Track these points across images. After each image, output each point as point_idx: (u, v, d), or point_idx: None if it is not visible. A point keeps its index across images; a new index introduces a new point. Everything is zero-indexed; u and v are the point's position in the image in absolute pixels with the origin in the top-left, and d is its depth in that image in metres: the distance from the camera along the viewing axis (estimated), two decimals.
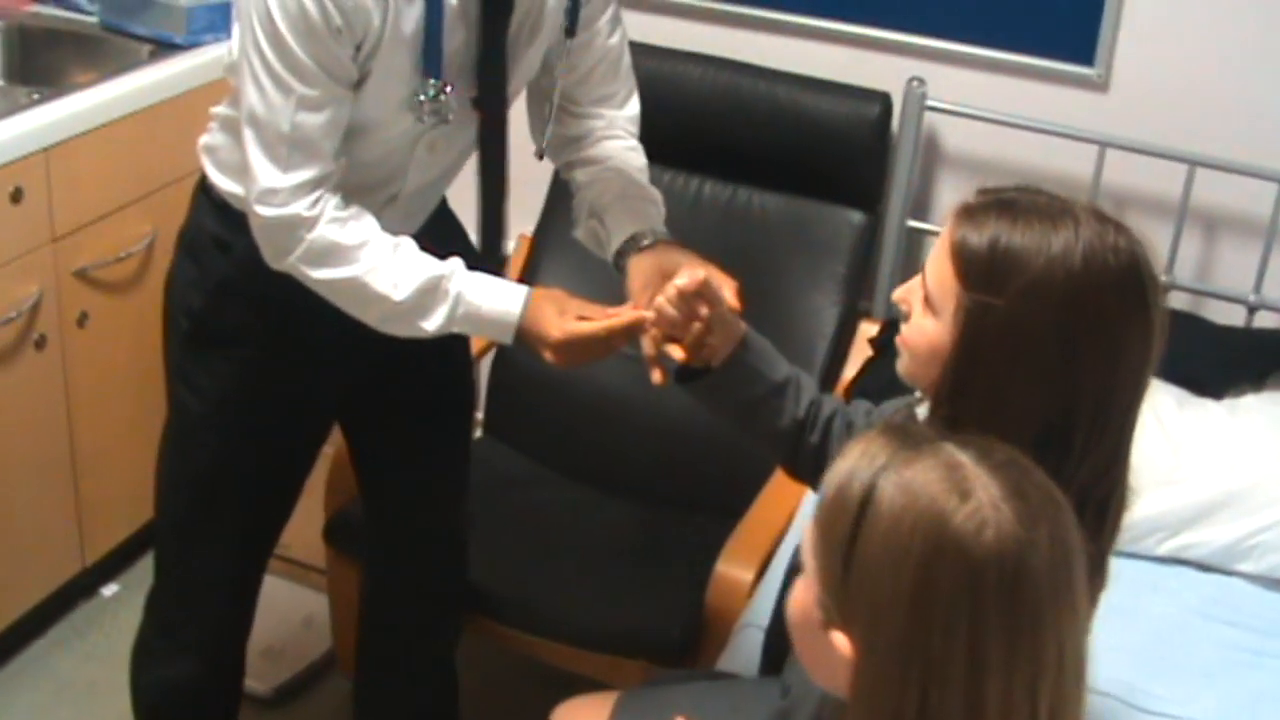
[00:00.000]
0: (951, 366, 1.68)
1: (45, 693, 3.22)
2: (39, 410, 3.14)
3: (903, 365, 1.80)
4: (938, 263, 1.69)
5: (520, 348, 2.17)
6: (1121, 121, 3.08)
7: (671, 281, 2.01)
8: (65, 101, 3.08)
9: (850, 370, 3.13)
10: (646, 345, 2.07)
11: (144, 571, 3.47)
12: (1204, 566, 2.74)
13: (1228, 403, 2.91)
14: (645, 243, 2.21)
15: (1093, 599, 1.70)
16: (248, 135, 2.08)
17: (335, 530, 2.99)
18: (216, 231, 2.31)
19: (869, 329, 3.17)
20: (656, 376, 2.06)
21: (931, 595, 1.29)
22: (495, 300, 2.14)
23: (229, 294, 2.32)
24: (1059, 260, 1.61)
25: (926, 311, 1.72)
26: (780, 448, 2.05)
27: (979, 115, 3.15)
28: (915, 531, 1.30)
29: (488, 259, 2.29)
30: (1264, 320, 3.10)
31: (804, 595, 1.40)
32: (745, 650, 2.42)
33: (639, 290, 2.14)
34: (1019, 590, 1.29)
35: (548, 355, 2.13)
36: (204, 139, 2.34)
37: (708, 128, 3.27)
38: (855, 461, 1.36)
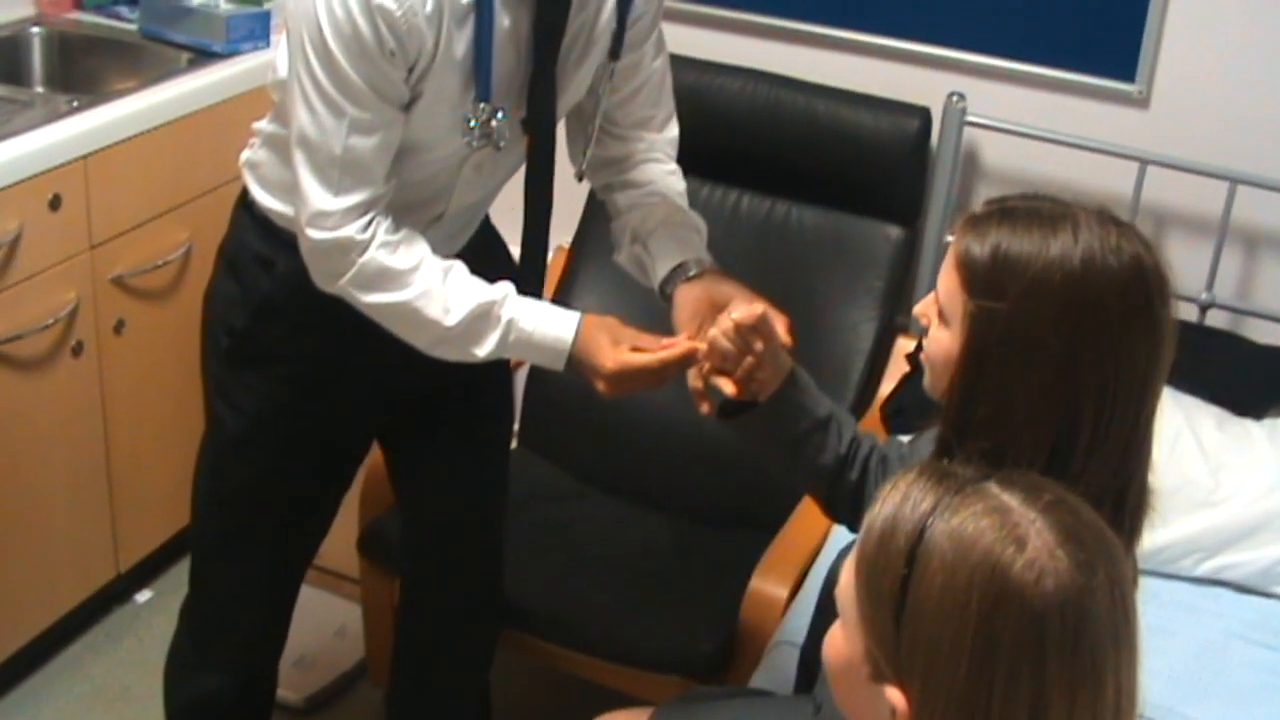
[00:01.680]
0: (959, 373, 1.70)
1: (79, 698, 3.24)
2: (76, 417, 3.16)
3: (926, 379, 1.81)
4: (946, 275, 1.73)
5: (571, 374, 2.16)
6: (1162, 138, 3.07)
7: (728, 314, 2.00)
8: (104, 109, 3.10)
9: (887, 386, 3.13)
10: (693, 377, 2.06)
11: (178, 578, 3.50)
12: (1242, 588, 2.73)
13: (1268, 423, 2.90)
14: (692, 272, 2.21)
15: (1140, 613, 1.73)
16: (299, 157, 2.07)
17: (370, 541, 2.99)
18: (259, 249, 2.30)
19: (906, 344, 3.17)
20: (705, 409, 2.06)
21: (993, 648, 1.27)
22: (548, 326, 2.13)
23: (272, 313, 2.31)
24: (1057, 262, 1.63)
25: (940, 324, 1.75)
26: (820, 484, 2.06)
27: (1019, 131, 3.14)
28: (973, 584, 1.28)
29: (529, 279, 2.29)
30: None
31: (846, 646, 1.38)
32: (779, 667, 2.42)
33: (687, 320, 2.14)
34: (1081, 637, 1.28)
35: (600, 385, 2.12)
36: (246, 154, 2.34)
37: (747, 141, 3.27)
38: (898, 508, 1.34)
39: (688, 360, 2.06)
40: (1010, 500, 1.32)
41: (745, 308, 1.99)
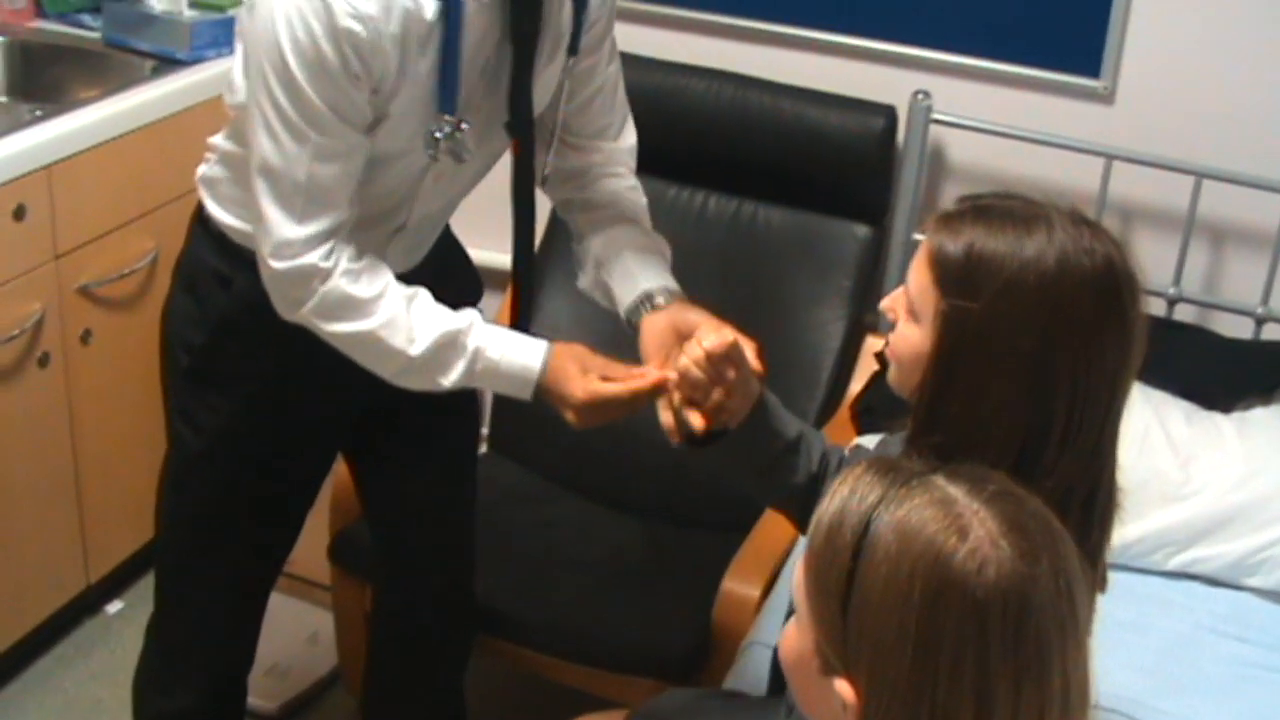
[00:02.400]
0: (931, 371, 1.70)
1: (50, 710, 3.23)
2: (43, 428, 3.15)
3: (891, 375, 1.82)
4: (917, 271, 1.73)
5: (538, 404, 2.14)
6: (1128, 134, 3.08)
7: (698, 342, 1.98)
8: (68, 118, 3.08)
9: (856, 385, 3.13)
10: (662, 409, 2.04)
11: (149, 588, 3.46)
12: (1213, 581, 2.74)
13: (1236, 416, 2.91)
14: (659, 301, 2.19)
15: (1089, 603, 1.73)
16: (260, 185, 2.04)
17: (340, 549, 2.99)
18: (216, 265, 2.28)
19: (875, 343, 3.17)
20: (675, 439, 2.04)
21: (936, 638, 1.28)
22: (515, 355, 2.11)
23: (230, 331, 2.29)
24: (1032, 263, 1.64)
25: (909, 319, 1.75)
26: (793, 503, 2.06)
27: (984, 128, 3.15)
28: (915, 575, 1.29)
29: (523, 280, 2.29)
30: (1272, 332, 3.10)
31: (799, 640, 1.40)
32: (752, 669, 2.42)
33: (654, 350, 2.12)
34: (1023, 626, 1.29)
35: (568, 415, 2.10)
36: (203, 170, 2.32)
37: (712, 142, 3.27)
38: (844, 502, 1.36)
39: (658, 391, 2.04)
40: (955, 491, 1.34)
41: (716, 336, 1.97)
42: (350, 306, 2.07)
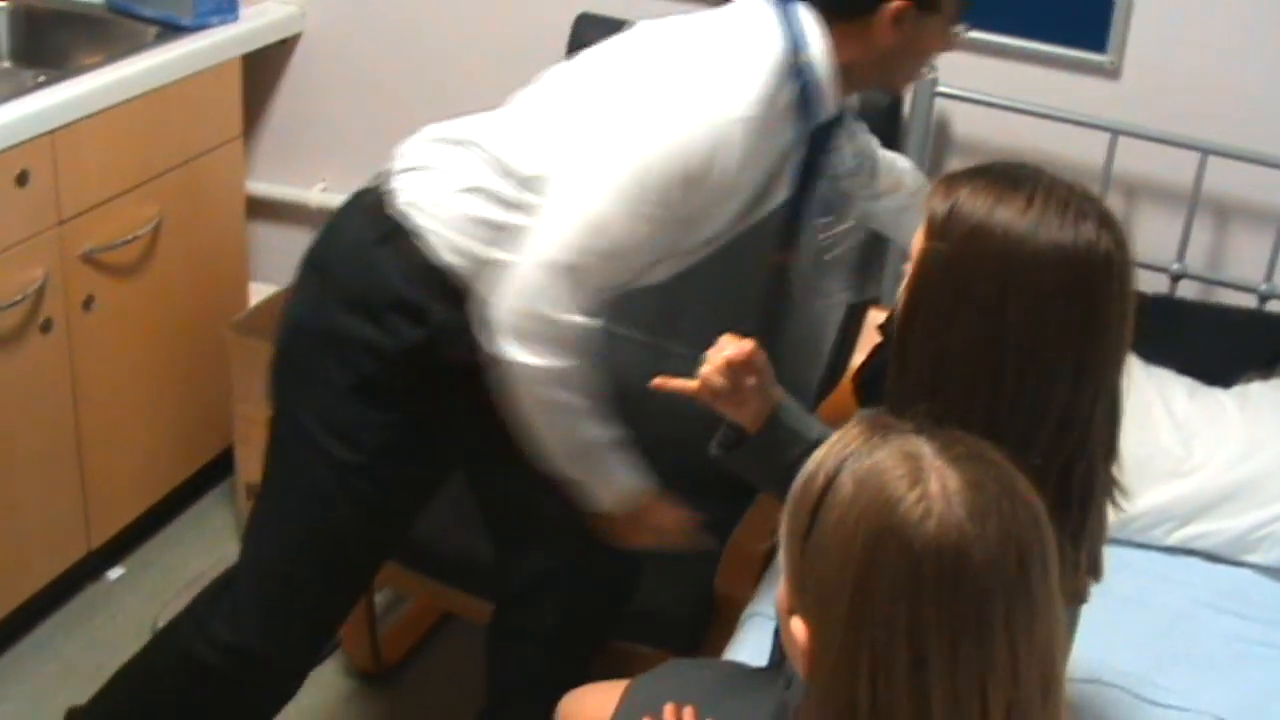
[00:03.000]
0: (903, 309, 1.77)
1: (51, 676, 3.24)
2: (45, 394, 3.15)
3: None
4: (920, 230, 1.79)
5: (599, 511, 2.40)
6: (1133, 109, 3.08)
7: (719, 350, 2.01)
8: (71, 84, 3.08)
9: (859, 358, 3.12)
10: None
11: (149, 555, 3.52)
12: (1213, 557, 2.75)
13: (1238, 391, 2.91)
14: None
15: (1076, 589, 1.76)
16: (551, 260, 2.14)
17: None
18: (409, 296, 2.27)
19: (878, 316, 3.16)
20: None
21: (873, 583, 1.30)
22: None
23: (413, 361, 2.30)
24: (1005, 217, 1.70)
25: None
26: None
27: (990, 102, 3.14)
28: (862, 518, 1.32)
29: None
30: (1276, 309, 3.10)
31: (781, 584, 1.43)
32: (753, 638, 2.42)
33: None
34: (960, 584, 1.29)
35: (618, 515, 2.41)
36: (420, 198, 2.29)
37: None
38: (825, 452, 1.39)
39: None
40: (925, 448, 1.36)
41: (735, 344, 2.00)
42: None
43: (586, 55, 2.31)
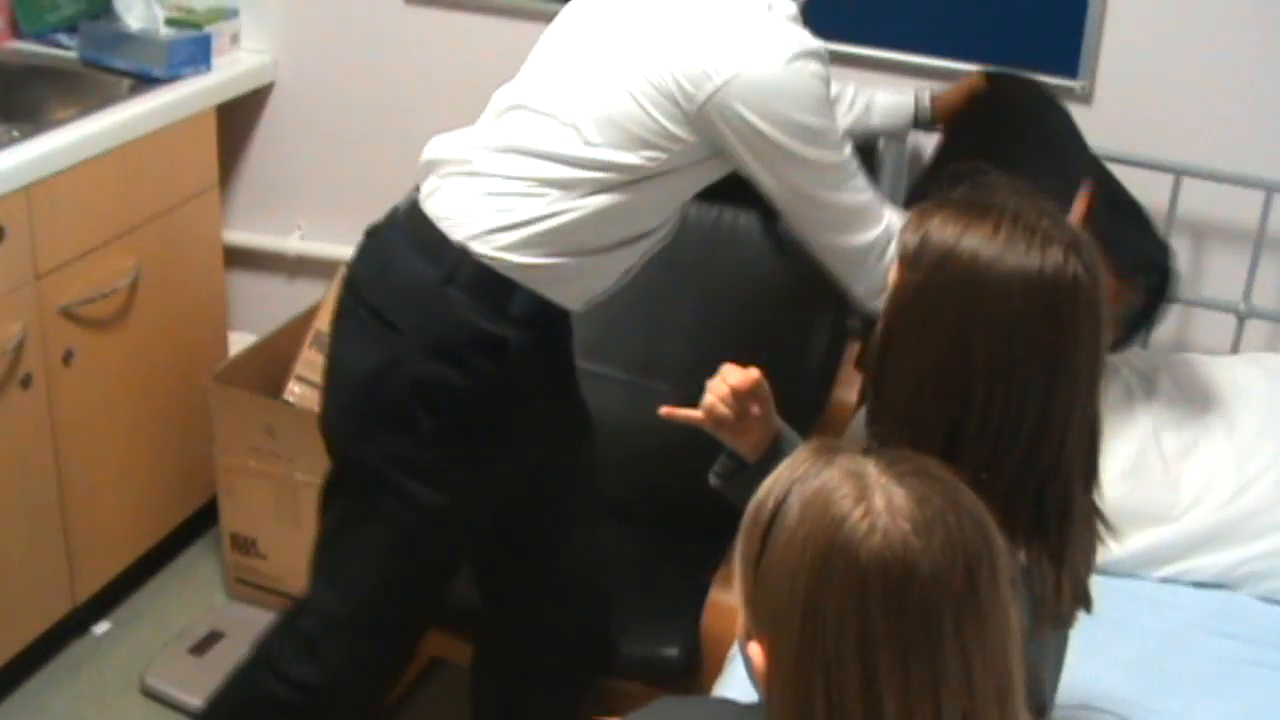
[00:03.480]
0: (879, 342, 1.80)
1: None
2: (26, 449, 3.14)
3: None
4: (895, 265, 1.80)
5: None
6: (1107, 133, 3.08)
7: (722, 379, 2.02)
8: (46, 138, 3.08)
9: (849, 392, 3.15)
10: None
11: (135, 608, 3.50)
12: (1203, 584, 2.74)
13: (1228, 418, 2.89)
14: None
15: (1060, 613, 1.76)
16: (850, 230, 2.31)
17: None
18: (488, 329, 2.30)
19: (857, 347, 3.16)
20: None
21: (822, 600, 1.32)
22: None
23: (497, 394, 2.33)
24: (972, 245, 1.72)
25: None
26: None
27: None
28: (810, 537, 1.33)
29: None
30: (1255, 329, 3.11)
31: (739, 613, 1.44)
32: (741, 675, 2.38)
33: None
34: (906, 598, 1.31)
35: None
36: (484, 219, 2.30)
37: None
38: (774, 478, 1.41)
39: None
40: (869, 466, 1.37)
41: (740, 373, 2.01)
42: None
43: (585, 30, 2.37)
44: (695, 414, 2.04)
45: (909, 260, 1.75)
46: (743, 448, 2.04)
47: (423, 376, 2.31)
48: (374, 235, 2.44)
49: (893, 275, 1.79)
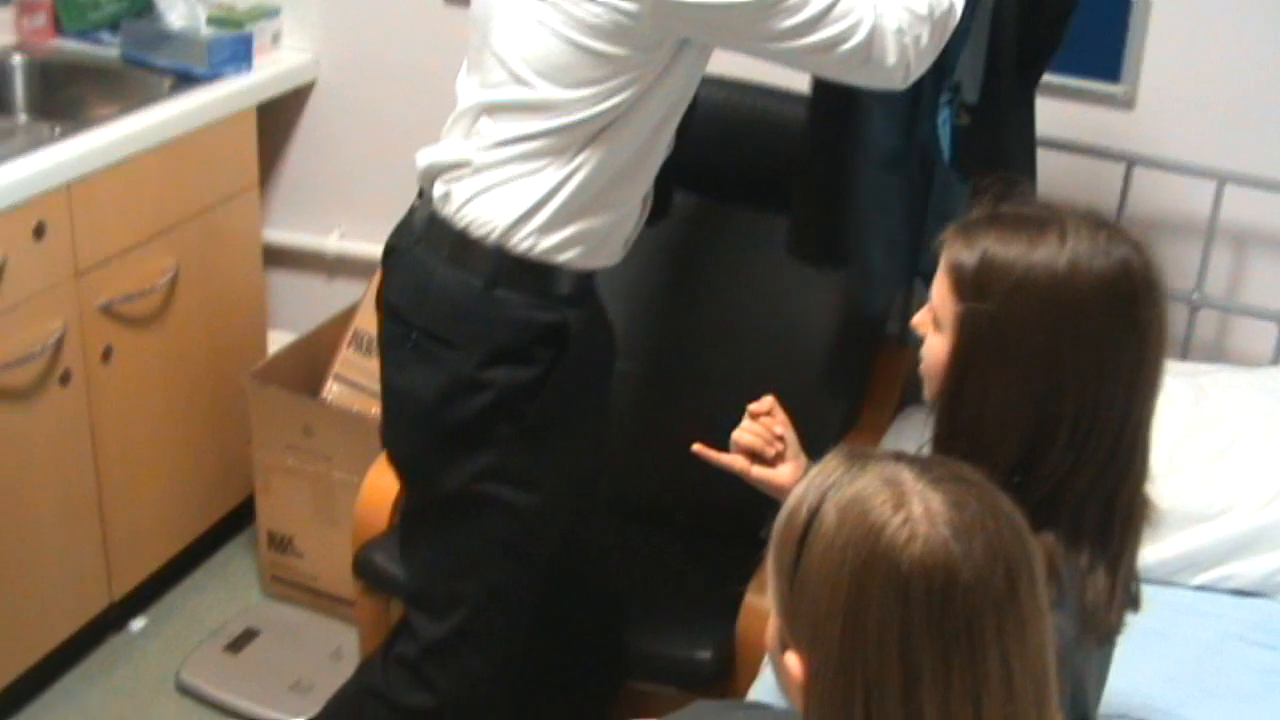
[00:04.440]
0: (948, 374, 1.76)
1: None
2: (65, 446, 3.15)
3: (926, 390, 1.85)
4: (939, 281, 1.78)
5: None
6: (1149, 139, 3.06)
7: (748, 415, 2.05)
8: (87, 136, 3.09)
9: (880, 414, 3.14)
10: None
11: (171, 605, 3.52)
12: (1241, 591, 2.72)
13: (1262, 432, 2.87)
14: None
15: (1109, 625, 1.75)
16: (862, 49, 2.17)
17: (364, 565, 2.96)
18: (547, 319, 2.31)
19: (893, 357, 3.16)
20: None
21: (863, 608, 1.32)
22: None
23: (567, 378, 2.34)
24: (1042, 264, 1.69)
25: (935, 331, 1.80)
26: None
27: None
28: (849, 545, 1.34)
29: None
30: None
31: (770, 622, 1.45)
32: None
33: None
34: (948, 602, 1.31)
35: None
36: (509, 212, 2.28)
37: (732, 153, 3.19)
38: (807, 485, 1.41)
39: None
40: (904, 473, 1.38)
41: (755, 403, 2.05)
42: None
43: None
44: (726, 457, 2.07)
45: (970, 287, 1.72)
46: (779, 492, 2.03)
47: (493, 384, 2.31)
48: (398, 255, 2.43)
49: (945, 301, 1.76)
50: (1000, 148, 2.62)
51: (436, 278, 2.33)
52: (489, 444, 2.34)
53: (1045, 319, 1.68)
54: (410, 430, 2.42)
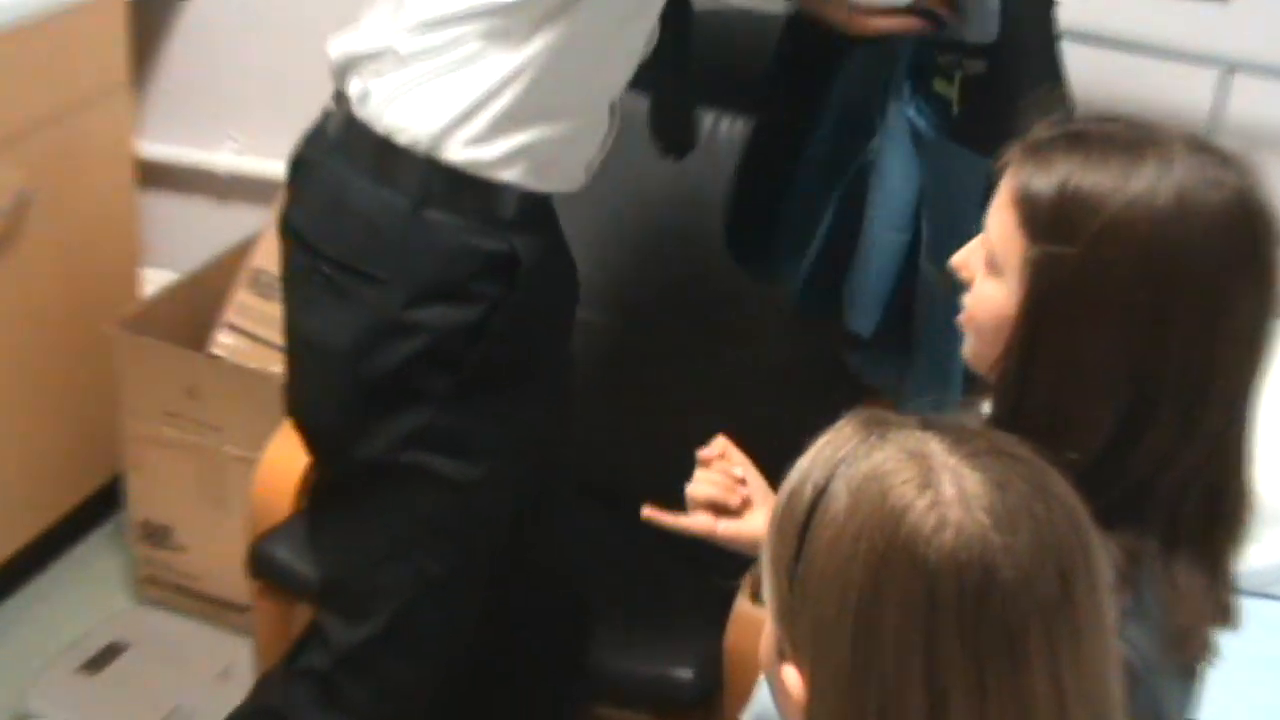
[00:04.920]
0: (1017, 336, 1.72)
1: None
2: None
3: (969, 346, 1.83)
4: (999, 214, 1.73)
5: None
6: (1249, 39, 3.06)
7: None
8: None
9: None
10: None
11: (15, 613, 3.53)
12: None
13: None
14: None
15: (1205, 644, 1.74)
16: None
17: (263, 557, 2.97)
18: (493, 248, 2.30)
19: None
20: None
21: (879, 612, 1.30)
22: None
23: (514, 322, 2.34)
24: (1142, 199, 1.65)
25: (990, 275, 1.76)
26: None
27: (1075, 35, 3.11)
28: (862, 534, 1.31)
29: None
30: None
31: (765, 629, 1.44)
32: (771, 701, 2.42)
33: None
34: (985, 605, 1.29)
35: None
36: (444, 111, 2.28)
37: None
38: (813, 458, 1.39)
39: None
40: (933, 444, 1.36)
41: (703, 449, 2.08)
42: None
43: None
44: (685, 519, 2.09)
45: (1047, 225, 1.68)
46: (757, 547, 2.06)
47: (423, 328, 2.30)
48: (307, 169, 2.43)
49: (1009, 240, 1.72)
50: (1020, 89, 2.57)
51: (353, 196, 2.32)
52: (418, 402, 2.33)
53: (1146, 267, 1.64)
54: (320, 387, 2.42)
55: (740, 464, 2.06)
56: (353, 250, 2.32)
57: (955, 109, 2.63)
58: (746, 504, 2.05)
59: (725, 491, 2.05)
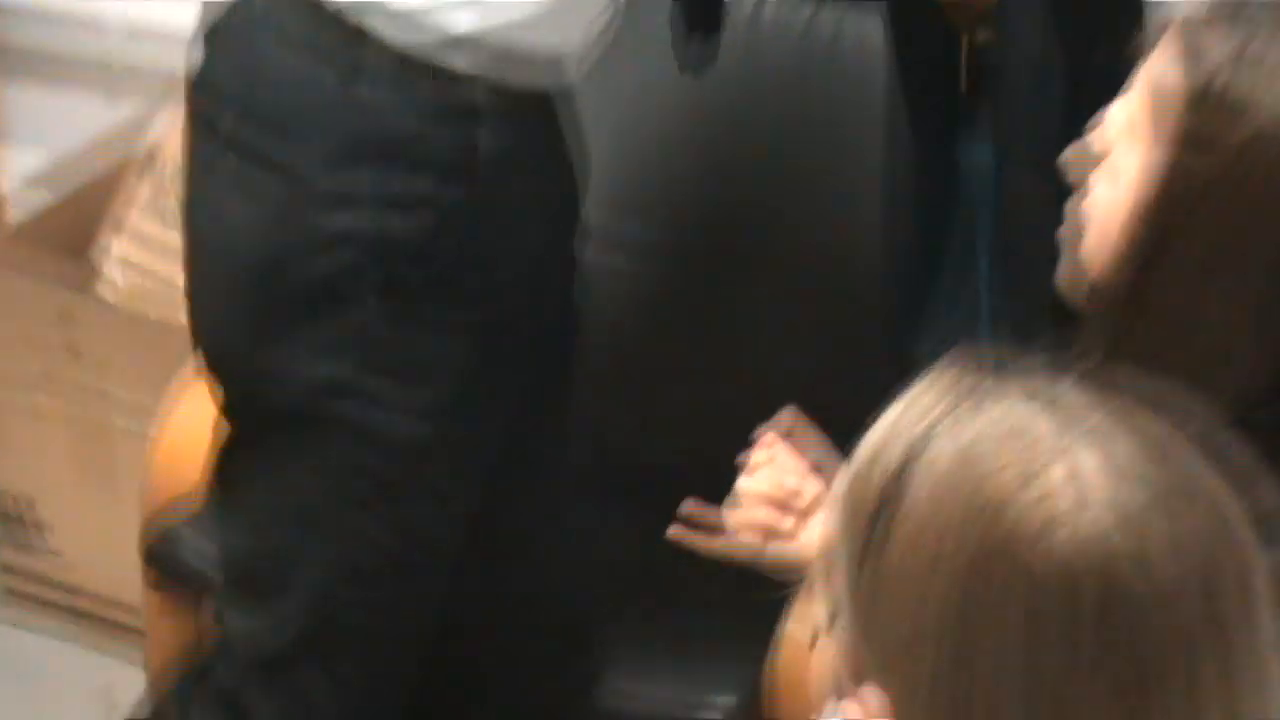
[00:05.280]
0: (1130, 253, 1.75)
1: None
2: None
3: (1065, 269, 1.88)
4: (1129, 101, 1.78)
5: None
6: None
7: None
8: None
9: None
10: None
11: None
12: None
13: None
14: None
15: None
16: None
17: (160, 546, 2.93)
18: (445, 137, 2.22)
19: None
20: None
21: (975, 628, 1.26)
22: None
23: (476, 233, 2.25)
24: None
25: (1106, 176, 1.81)
26: None
27: None
28: (949, 532, 1.27)
29: None
30: None
31: (826, 645, 1.40)
32: None
33: None
34: (1107, 626, 1.23)
35: None
36: None
37: None
38: (890, 429, 1.36)
39: None
40: (1042, 418, 1.31)
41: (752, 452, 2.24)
42: None
43: None
44: (722, 543, 2.28)
45: (1184, 126, 1.70)
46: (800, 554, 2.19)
47: (354, 236, 2.22)
48: (220, 35, 2.35)
49: (1136, 138, 1.75)
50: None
51: (270, 67, 2.27)
52: (346, 334, 2.26)
53: None
54: (224, 304, 2.36)
55: (813, 448, 2.15)
56: (267, 133, 2.25)
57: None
58: (804, 515, 2.16)
59: (775, 515, 2.17)
